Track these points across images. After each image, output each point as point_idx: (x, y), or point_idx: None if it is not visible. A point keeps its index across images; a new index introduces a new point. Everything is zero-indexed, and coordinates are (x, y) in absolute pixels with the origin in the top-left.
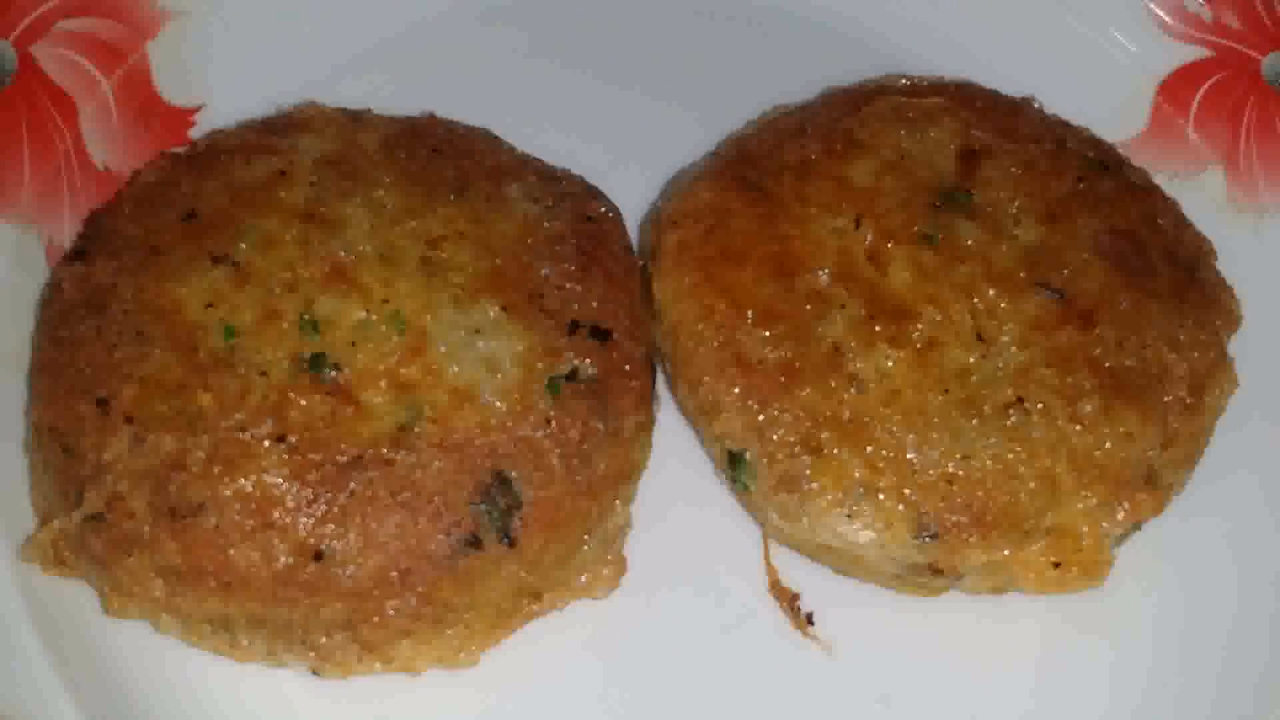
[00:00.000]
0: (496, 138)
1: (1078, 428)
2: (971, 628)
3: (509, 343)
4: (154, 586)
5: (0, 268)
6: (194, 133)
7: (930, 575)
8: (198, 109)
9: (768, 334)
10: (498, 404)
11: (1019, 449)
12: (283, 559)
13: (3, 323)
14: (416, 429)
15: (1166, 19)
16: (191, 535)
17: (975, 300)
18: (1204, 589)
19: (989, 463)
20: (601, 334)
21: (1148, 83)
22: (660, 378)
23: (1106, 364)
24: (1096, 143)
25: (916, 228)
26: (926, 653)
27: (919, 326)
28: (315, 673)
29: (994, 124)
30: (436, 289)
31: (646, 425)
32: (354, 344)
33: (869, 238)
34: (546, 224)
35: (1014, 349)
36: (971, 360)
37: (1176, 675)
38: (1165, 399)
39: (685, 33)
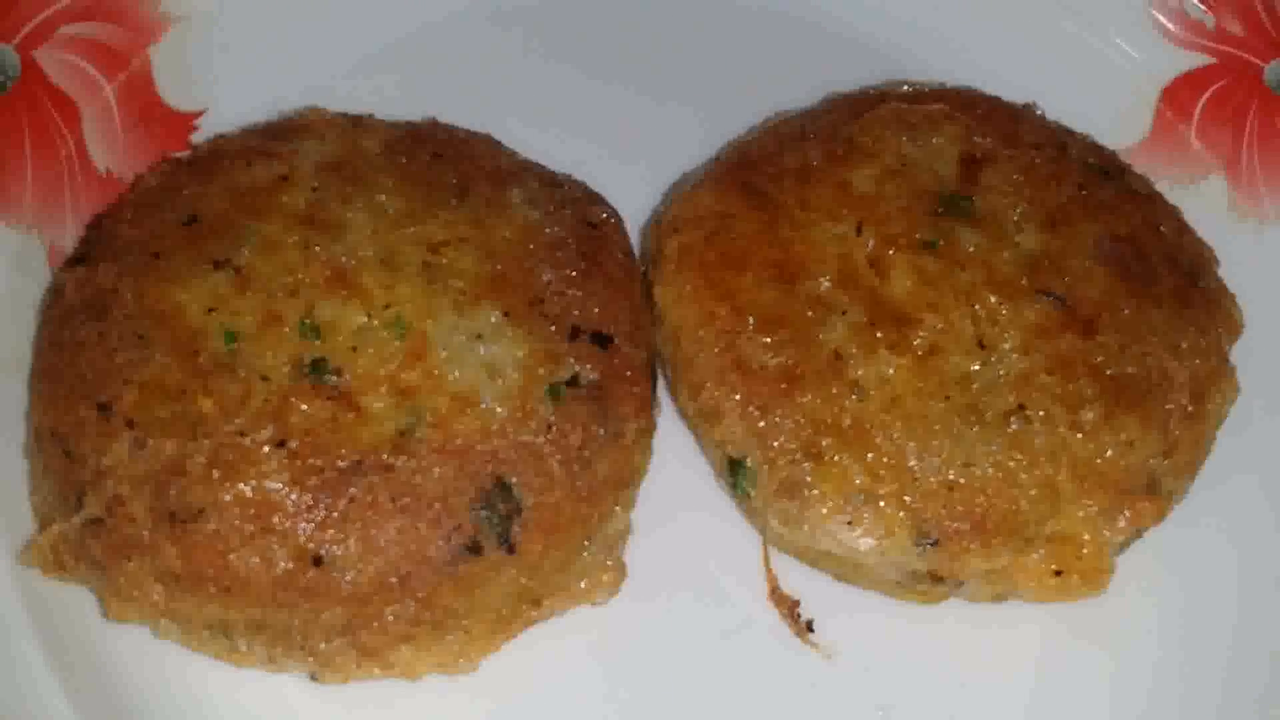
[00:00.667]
0: (498, 142)
1: (1079, 435)
2: (972, 636)
3: (510, 348)
4: (154, 591)
5: (2, 271)
6: (196, 137)
7: (931, 582)
8: (200, 114)
9: (769, 340)
10: (498, 409)
11: (1020, 456)
12: (282, 564)
13: (4, 326)
14: (417, 434)
15: (1169, 26)
16: (191, 540)
17: (976, 307)
18: (1205, 597)
19: (990, 470)
20: (602, 339)
21: (1150, 89)
22: (661, 383)
23: (1108, 371)
24: (1098, 149)
25: (918, 234)
26: (926, 660)
27: (920, 333)
28: (314, 678)
29: (996, 130)
30: (437, 294)
31: (647, 431)
32: (355, 349)
33: (870, 244)
34: (548, 229)
35: (1015, 356)
36: (973, 367)
37: (1178, 684)
38: (1167, 406)
39: (688, 38)
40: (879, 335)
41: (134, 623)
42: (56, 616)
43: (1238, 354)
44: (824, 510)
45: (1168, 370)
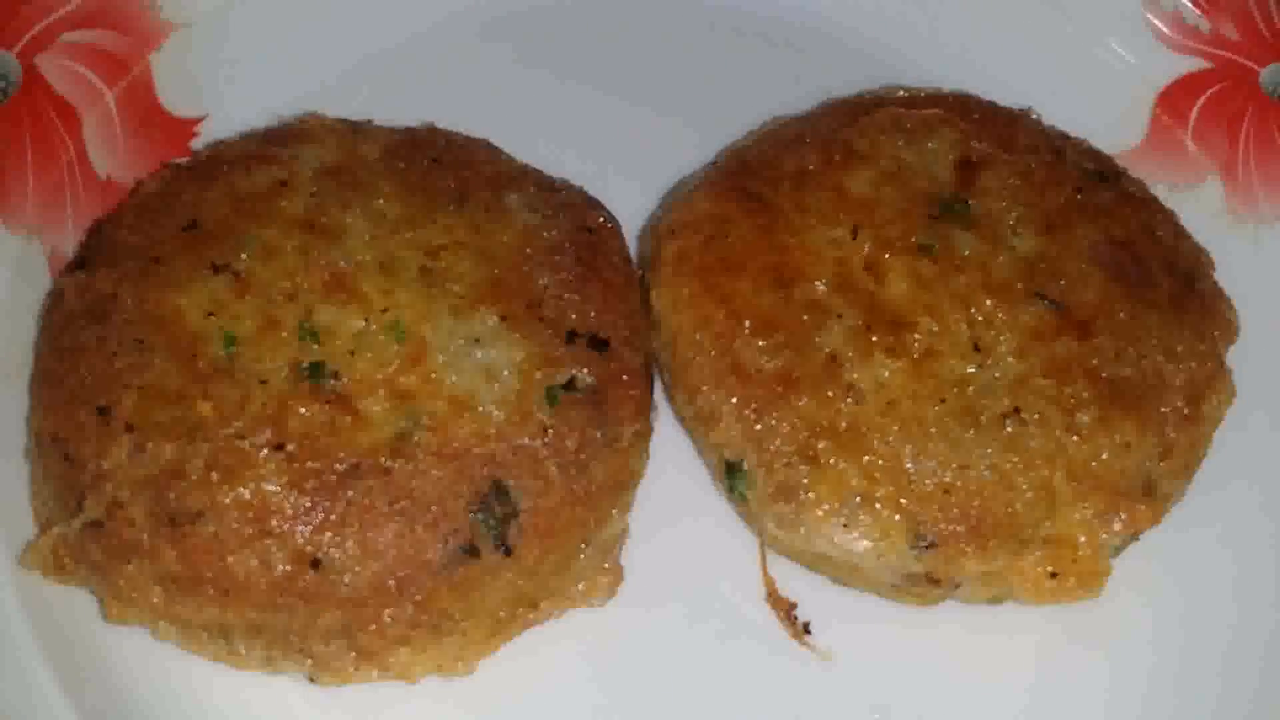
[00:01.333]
0: (496, 148)
1: (1075, 438)
2: (968, 638)
3: (507, 352)
4: (153, 593)
5: (3, 277)
6: (196, 144)
7: (927, 585)
8: (200, 120)
9: (765, 344)
10: (496, 413)
11: (1016, 459)
12: (280, 567)
13: (5, 331)
14: (415, 438)
15: (1165, 30)
16: (190, 543)
17: (973, 310)
18: (1202, 600)
19: (986, 472)
20: (600, 343)
21: (1146, 94)
22: (658, 387)
23: (1104, 374)
24: (1095, 154)
25: (914, 238)
26: (923, 662)
27: (916, 336)
28: (312, 680)
29: (992, 135)
30: (436, 298)
31: (644, 434)
32: (353, 353)
33: (867, 248)
34: (545, 234)
35: (1011, 359)
36: (969, 370)
37: (1174, 687)
38: (1163, 409)
39: (685, 45)
40: (875, 339)
41: (133, 625)
42: (56, 618)
43: (1234, 358)
44: (820, 513)
45: (1164, 373)
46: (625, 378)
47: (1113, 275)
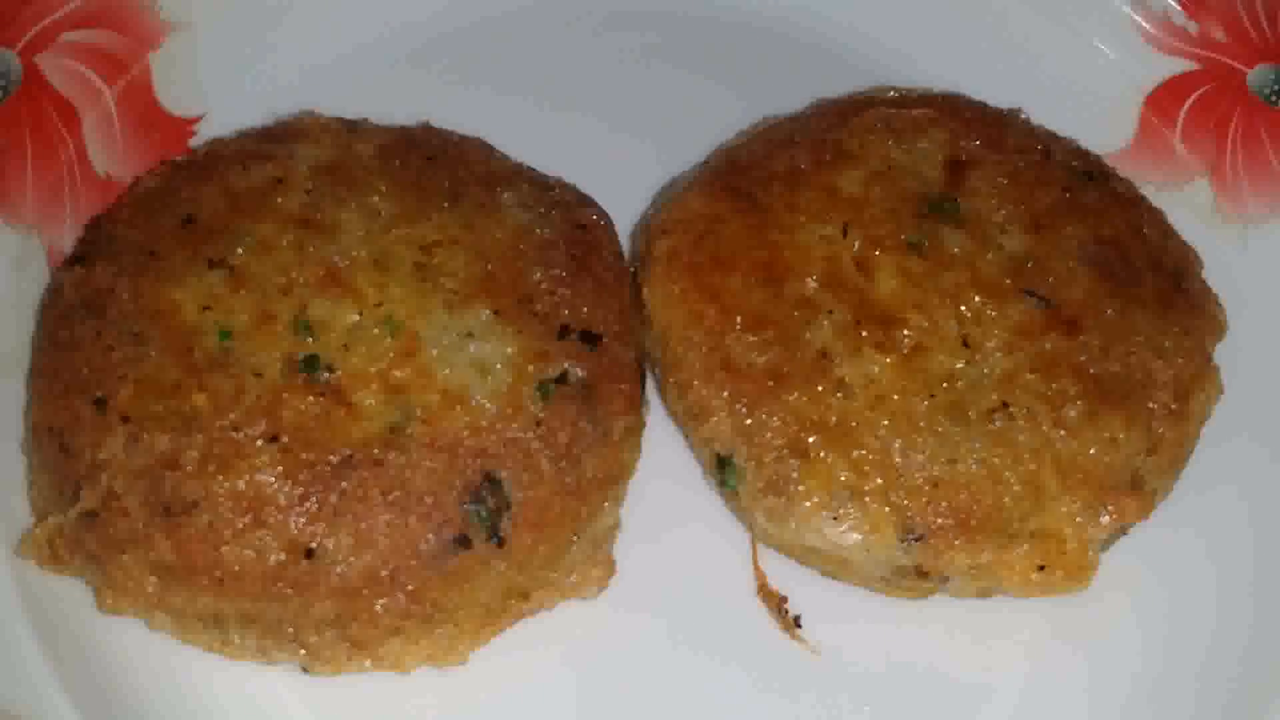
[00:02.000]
0: (490, 146)
1: (1063, 433)
2: (957, 631)
3: (500, 346)
4: (147, 583)
5: (2, 271)
6: (194, 142)
7: (916, 578)
8: (198, 119)
9: (756, 339)
10: (488, 406)
11: (1004, 453)
12: (274, 557)
13: (4, 325)
14: (408, 430)
15: (1153, 32)
16: (185, 533)
17: (962, 307)
18: (1187, 598)
19: (974, 467)
20: (591, 338)
21: (1135, 95)
22: (650, 382)
23: (1091, 370)
24: (1083, 153)
25: (904, 236)
26: (913, 655)
27: (906, 332)
28: (305, 670)
29: (981, 135)
30: (429, 293)
31: (635, 428)
32: (347, 346)
33: (857, 245)
34: (538, 231)
35: (999, 355)
36: (957, 366)
37: (1159, 682)
38: (1150, 405)
39: (678, 45)
40: (865, 335)
41: (127, 614)
42: (52, 608)
43: (1222, 356)
44: (810, 506)
45: (1151, 369)
46: (617, 372)
47: (1101, 273)
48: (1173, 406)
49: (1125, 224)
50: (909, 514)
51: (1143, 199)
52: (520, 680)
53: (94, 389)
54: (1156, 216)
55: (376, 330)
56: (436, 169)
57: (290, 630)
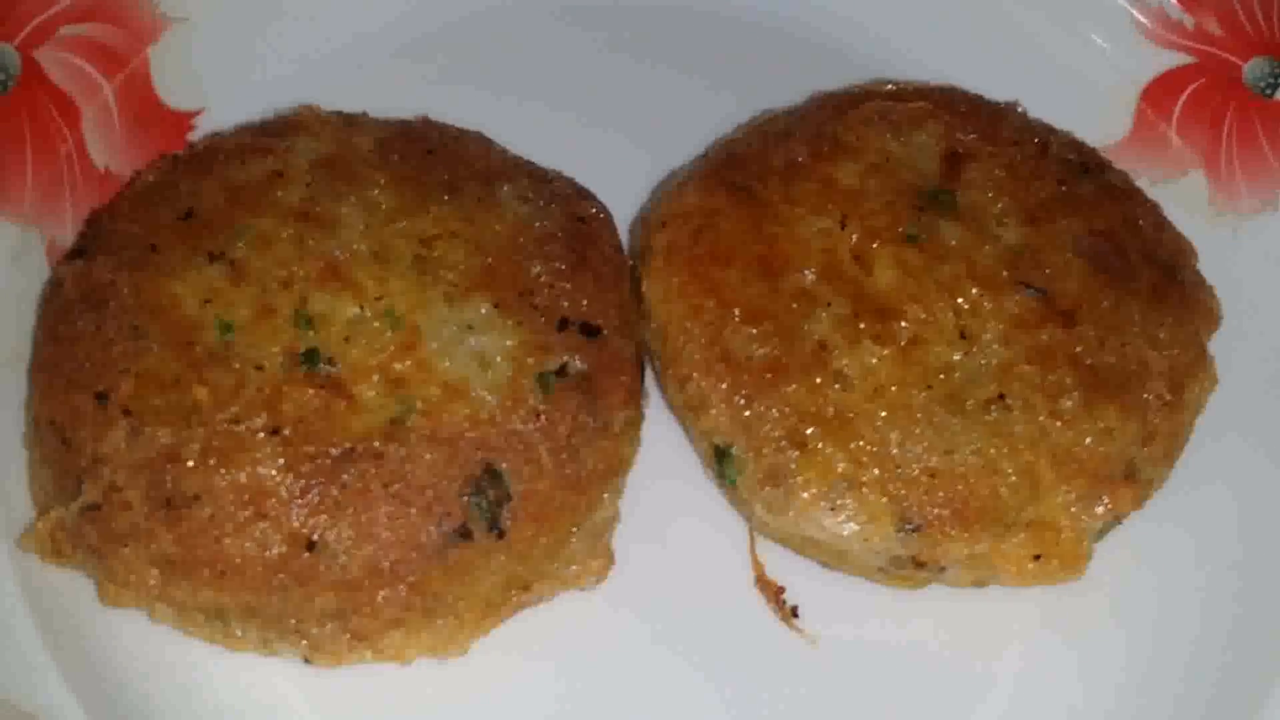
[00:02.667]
0: (489, 140)
1: (1058, 423)
2: (954, 623)
3: (500, 339)
4: (149, 576)
5: (2, 266)
6: (192, 137)
7: (913, 568)
8: (197, 113)
9: (755, 332)
10: (488, 398)
11: (1000, 444)
12: (275, 549)
13: (4, 320)
14: (408, 422)
15: (1149, 25)
16: (186, 526)
17: (959, 299)
18: (1178, 590)
19: (971, 457)
20: (591, 331)
21: (1130, 88)
22: (649, 375)
23: (1087, 361)
24: (1079, 146)
25: (901, 228)
26: (909, 645)
27: (903, 324)
28: (307, 661)
29: (977, 128)
30: (429, 286)
31: (635, 421)
32: (347, 339)
33: (854, 238)
34: (537, 224)
35: (996, 346)
36: (955, 357)
37: (1150, 673)
38: (1145, 396)
39: (676, 39)
40: (862, 326)
41: (129, 607)
42: (53, 601)
43: (1217, 348)
44: (808, 497)
45: (1146, 360)
46: (616, 364)
47: (1096, 265)
48: (1168, 397)
49: (1121, 216)
50: (906, 504)
51: (1138, 191)
52: (520, 671)
53: (95, 383)
54: (1152, 209)
55: (377, 323)
56: (435, 162)
57: (292, 622)
